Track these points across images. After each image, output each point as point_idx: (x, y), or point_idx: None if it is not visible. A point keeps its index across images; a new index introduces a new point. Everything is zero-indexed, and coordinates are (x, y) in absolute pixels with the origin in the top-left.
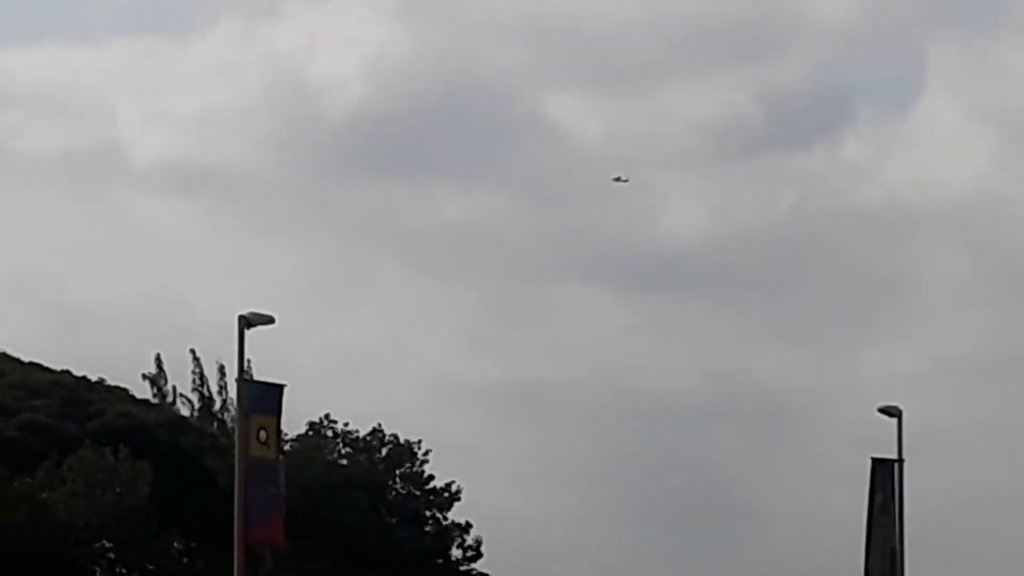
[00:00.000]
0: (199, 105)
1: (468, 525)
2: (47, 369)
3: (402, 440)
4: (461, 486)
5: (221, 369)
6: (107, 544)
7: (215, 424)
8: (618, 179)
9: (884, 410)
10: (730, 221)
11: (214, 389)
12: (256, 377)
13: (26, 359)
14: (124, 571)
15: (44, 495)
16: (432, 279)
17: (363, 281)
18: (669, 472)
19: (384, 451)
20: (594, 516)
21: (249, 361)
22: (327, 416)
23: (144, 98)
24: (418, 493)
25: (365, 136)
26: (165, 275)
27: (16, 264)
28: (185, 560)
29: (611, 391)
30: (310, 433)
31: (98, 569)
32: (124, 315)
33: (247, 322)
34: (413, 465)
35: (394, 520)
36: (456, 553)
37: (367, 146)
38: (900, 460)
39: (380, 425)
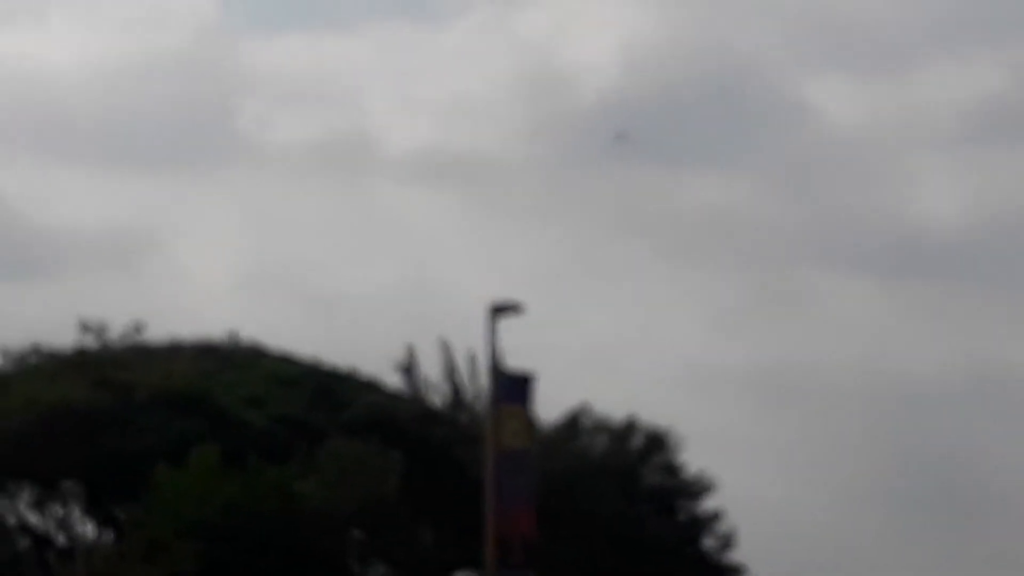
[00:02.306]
0: (450, 92)
1: (720, 514)
2: (298, 359)
3: (655, 428)
4: (713, 475)
5: (471, 358)
6: (358, 534)
7: (465, 414)
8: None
9: None
10: (988, 204)
11: (464, 378)
12: (507, 366)
13: (278, 349)
14: (375, 560)
15: (295, 485)
16: (683, 265)
17: (614, 268)
18: (926, 460)
19: (636, 439)
20: (848, 504)
21: (500, 350)
22: (579, 404)
23: (395, 86)
24: (670, 482)
25: (616, 121)
26: (416, 264)
27: (268, 254)
28: (436, 550)
29: (865, 378)
30: (562, 422)
31: (349, 558)
32: (375, 304)
33: (498, 310)
34: (665, 454)
35: (646, 509)
36: (708, 543)
37: (620, 129)
38: None
39: (633, 413)
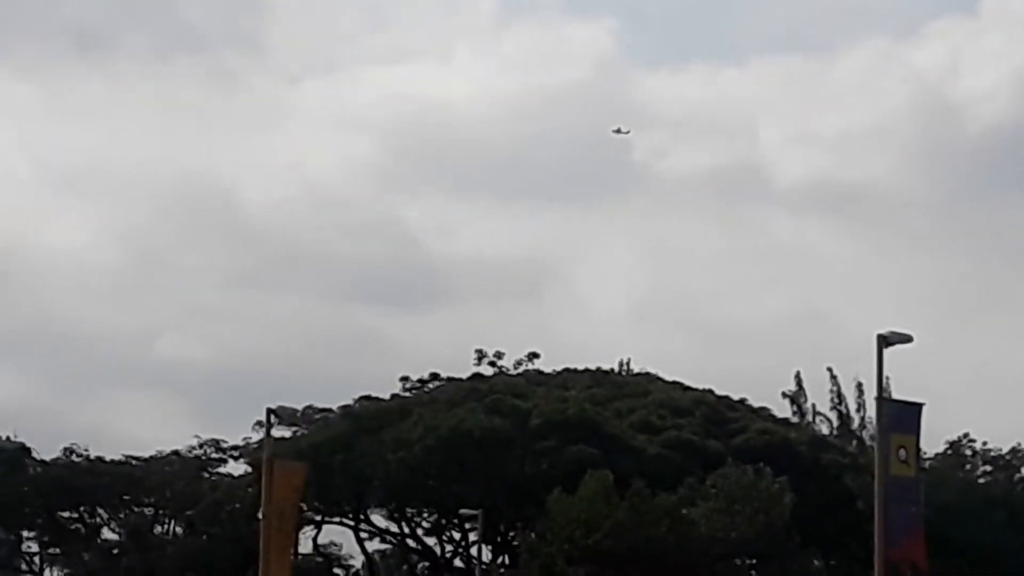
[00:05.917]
0: (841, 124)
1: None
2: (690, 387)
3: None
4: None
5: (859, 387)
6: (748, 560)
7: (853, 442)
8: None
9: None
10: None
11: (852, 407)
12: (894, 395)
13: (670, 378)
14: None
15: (686, 510)
16: None
17: (1004, 298)
18: None
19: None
20: None
21: (888, 379)
22: (966, 435)
23: (787, 117)
24: None
25: (1010, 150)
26: (806, 293)
27: (662, 283)
28: None
29: None
30: (948, 452)
31: None
32: (765, 333)
33: (886, 341)
34: None
35: None
36: None
37: (1011, 160)
38: None
39: (1021, 444)
